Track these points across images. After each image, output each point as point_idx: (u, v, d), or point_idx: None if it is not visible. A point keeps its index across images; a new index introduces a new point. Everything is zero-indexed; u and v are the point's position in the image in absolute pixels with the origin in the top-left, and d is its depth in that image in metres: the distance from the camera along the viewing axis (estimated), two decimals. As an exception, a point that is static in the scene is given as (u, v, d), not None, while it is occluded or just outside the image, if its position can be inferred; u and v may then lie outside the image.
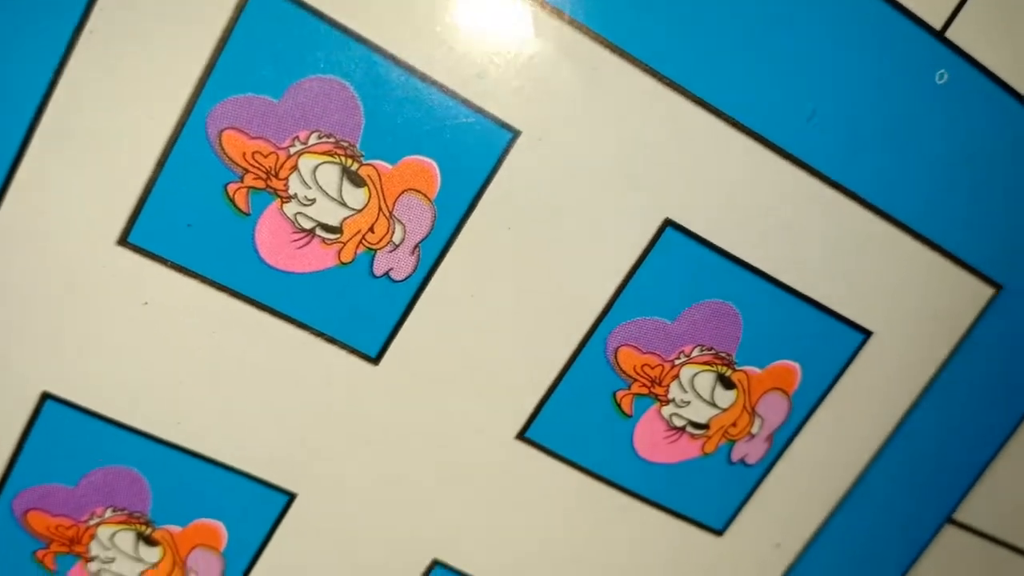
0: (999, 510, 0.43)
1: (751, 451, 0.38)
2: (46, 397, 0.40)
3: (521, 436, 0.38)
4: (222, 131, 0.32)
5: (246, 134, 0.32)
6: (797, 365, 0.37)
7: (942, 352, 0.39)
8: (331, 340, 0.36)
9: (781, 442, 0.39)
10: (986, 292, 0.38)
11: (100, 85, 0.34)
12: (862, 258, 0.36)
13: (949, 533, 0.43)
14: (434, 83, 0.33)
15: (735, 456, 0.38)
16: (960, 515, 0.43)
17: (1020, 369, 0.40)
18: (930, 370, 0.39)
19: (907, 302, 0.37)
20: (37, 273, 0.36)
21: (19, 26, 0.33)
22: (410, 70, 0.33)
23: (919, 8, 0.34)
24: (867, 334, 0.37)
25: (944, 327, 0.38)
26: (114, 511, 0.41)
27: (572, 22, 0.33)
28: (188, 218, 0.34)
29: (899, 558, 0.43)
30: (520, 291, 0.36)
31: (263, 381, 0.37)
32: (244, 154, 0.33)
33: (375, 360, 0.36)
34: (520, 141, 0.33)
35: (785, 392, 0.37)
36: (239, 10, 0.31)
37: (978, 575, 0.45)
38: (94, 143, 0.34)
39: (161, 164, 0.34)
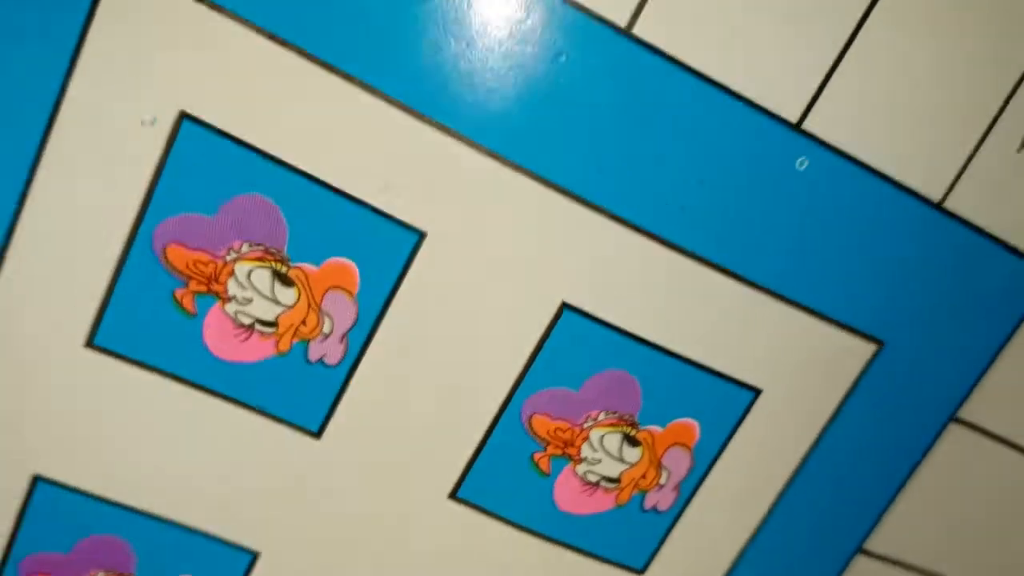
0: (908, 543, 0.47)
1: (661, 499, 0.42)
2: (37, 479, 0.44)
3: (453, 496, 0.42)
4: (166, 245, 0.37)
5: (187, 246, 0.37)
6: (695, 422, 0.41)
7: (831, 404, 0.43)
8: (277, 419, 0.40)
9: (688, 490, 0.43)
10: (868, 348, 0.42)
11: (61, 212, 0.39)
12: (744, 325, 0.41)
13: (861, 563, 0.47)
14: (346, 195, 0.37)
15: (647, 504, 0.42)
16: (871, 545, 0.46)
17: (911, 416, 0.44)
18: (821, 421, 0.43)
19: (789, 361, 0.41)
20: (18, 374, 0.41)
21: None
22: (325, 185, 0.37)
23: (776, 106, 0.38)
24: (756, 392, 0.41)
25: (830, 382, 0.42)
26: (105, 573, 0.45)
27: (463, 139, 0.38)
28: (143, 321, 0.38)
29: (814, 588, 0.47)
30: (439, 370, 0.40)
31: (221, 457, 0.41)
32: (187, 264, 0.37)
33: (317, 435, 0.41)
34: (427, 240, 0.38)
35: (687, 446, 0.41)
36: (170, 142, 0.36)
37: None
38: (60, 261, 0.39)
39: (116, 276, 0.39)
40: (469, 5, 0.37)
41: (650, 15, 0.38)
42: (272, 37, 0.36)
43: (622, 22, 0.38)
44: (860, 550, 0.46)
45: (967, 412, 0.43)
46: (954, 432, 0.43)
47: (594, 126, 0.38)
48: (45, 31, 0.35)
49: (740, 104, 0.38)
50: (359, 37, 0.36)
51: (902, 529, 0.46)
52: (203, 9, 0.35)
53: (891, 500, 0.45)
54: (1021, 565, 0.47)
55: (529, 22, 0.38)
